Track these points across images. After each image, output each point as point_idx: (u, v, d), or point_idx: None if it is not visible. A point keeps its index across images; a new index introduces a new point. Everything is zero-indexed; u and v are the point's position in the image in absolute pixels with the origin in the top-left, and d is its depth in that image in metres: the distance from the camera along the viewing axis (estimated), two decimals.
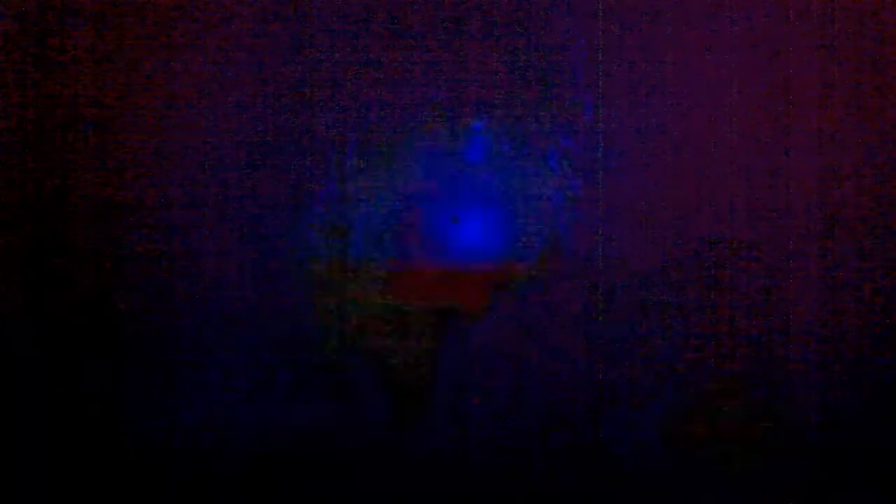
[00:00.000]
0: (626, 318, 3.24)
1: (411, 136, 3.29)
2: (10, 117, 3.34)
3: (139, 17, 3.34)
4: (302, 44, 3.32)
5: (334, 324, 3.27)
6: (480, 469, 3.22)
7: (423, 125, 3.29)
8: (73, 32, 3.34)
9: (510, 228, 3.27)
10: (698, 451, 3.20)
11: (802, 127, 3.22)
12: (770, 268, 3.22)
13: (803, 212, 3.22)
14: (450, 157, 3.28)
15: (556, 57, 3.26)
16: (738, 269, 3.22)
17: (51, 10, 3.33)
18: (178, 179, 3.33)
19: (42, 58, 3.34)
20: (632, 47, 3.25)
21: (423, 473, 3.23)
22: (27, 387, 3.32)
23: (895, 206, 3.20)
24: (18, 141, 3.33)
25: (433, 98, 3.29)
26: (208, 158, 3.33)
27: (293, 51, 3.32)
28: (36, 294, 3.32)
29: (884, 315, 3.19)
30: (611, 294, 3.24)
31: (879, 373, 3.19)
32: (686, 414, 3.21)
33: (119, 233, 3.33)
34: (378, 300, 3.24)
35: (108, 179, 3.34)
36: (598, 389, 3.22)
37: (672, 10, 3.25)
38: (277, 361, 3.28)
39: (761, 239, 3.22)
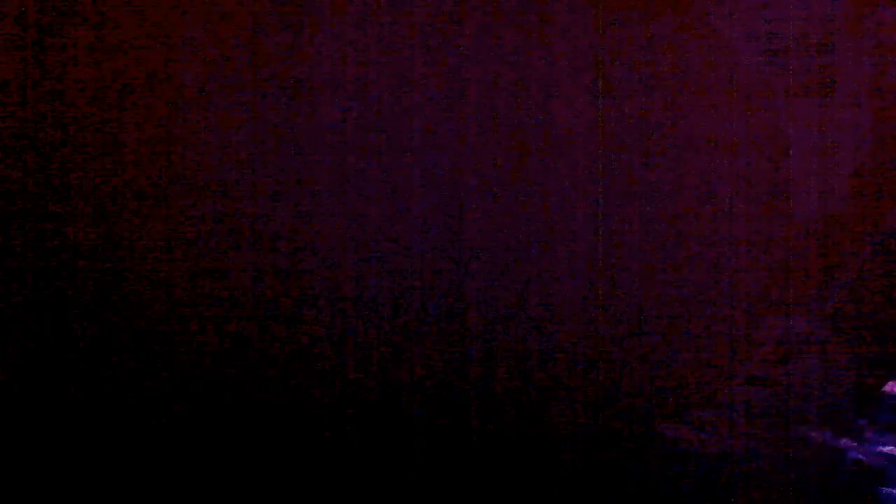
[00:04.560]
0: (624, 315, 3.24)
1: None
2: (10, 117, 3.34)
3: (139, 17, 3.34)
4: (302, 43, 3.33)
5: None
6: None
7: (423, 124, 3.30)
8: (73, 32, 3.34)
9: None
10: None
11: (802, 127, 3.23)
12: (770, 268, 3.22)
13: (803, 212, 3.22)
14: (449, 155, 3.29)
15: (557, 57, 3.27)
16: (739, 269, 3.23)
17: (51, 10, 3.34)
18: (178, 178, 3.34)
19: (42, 58, 3.34)
20: (632, 47, 3.26)
21: None
22: (28, 384, 3.33)
23: (895, 206, 3.20)
24: (18, 141, 3.34)
25: (433, 97, 3.29)
26: (208, 158, 3.34)
27: (293, 50, 3.33)
28: (36, 293, 3.33)
29: (884, 314, 3.20)
30: (610, 292, 3.25)
31: (878, 371, 3.19)
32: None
33: (119, 231, 3.34)
34: None
35: (109, 178, 3.34)
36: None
37: (672, 11, 3.25)
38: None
39: (761, 239, 3.23)
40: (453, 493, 3.26)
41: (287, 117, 3.33)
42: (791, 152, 3.23)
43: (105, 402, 3.33)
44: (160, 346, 3.33)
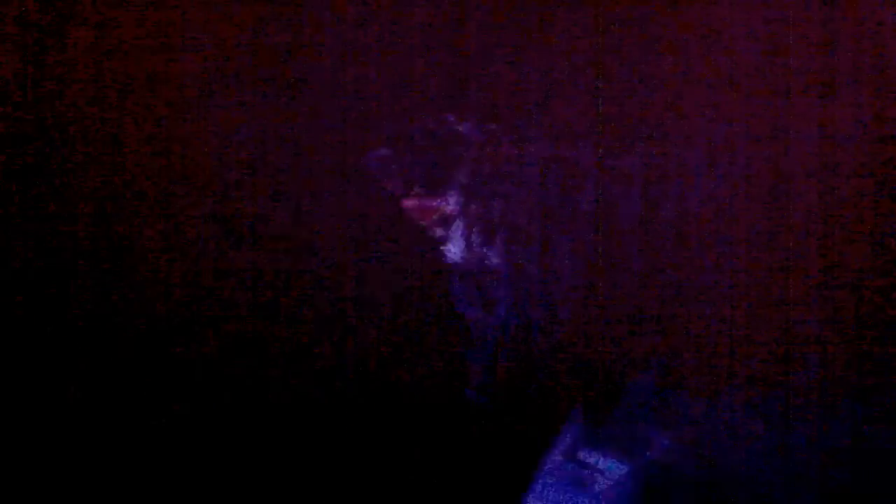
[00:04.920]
0: (622, 322, 3.24)
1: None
2: (10, 117, 3.34)
3: (139, 17, 3.34)
4: (302, 43, 3.33)
5: None
6: None
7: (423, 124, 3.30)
8: (73, 32, 3.34)
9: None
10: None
11: (802, 127, 3.23)
12: (770, 268, 3.22)
13: (803, 212, 3.22)
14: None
15: (557, 57, 3.27)
16: (738, 268, 3.23)
17: (51, 10, 3.34)
18: (178, 178, 3.34)
19: (42, 58, 3.34)
20: (632, 47, 3.26)
21: None
22: (28, 384, 3.33)
23: (895, 205, 3.20)
24: (18, 141, 3.34)
25: (433, 98, 3.29)
26: (208, 157, 3.34)
27: (293, 50, 3.33)
28: (36, 293, 3.33)
29: (883, 314, 3.20)
30: (610, 292, 3.24)
31: (878, 370, 3.19)
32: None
33: (119, 231, 3.34)
34: None
35: (109, 178, 3.35)
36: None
37: (672, 11, 3.25)
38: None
39: (761, 239, 3.23)
40: (453, 494, 3.26)
41: (287, 117, 3.33)
42: (791, 152, 3.23)
43: (105, 402, 3.33)
44: (160, 345, 3.33)
